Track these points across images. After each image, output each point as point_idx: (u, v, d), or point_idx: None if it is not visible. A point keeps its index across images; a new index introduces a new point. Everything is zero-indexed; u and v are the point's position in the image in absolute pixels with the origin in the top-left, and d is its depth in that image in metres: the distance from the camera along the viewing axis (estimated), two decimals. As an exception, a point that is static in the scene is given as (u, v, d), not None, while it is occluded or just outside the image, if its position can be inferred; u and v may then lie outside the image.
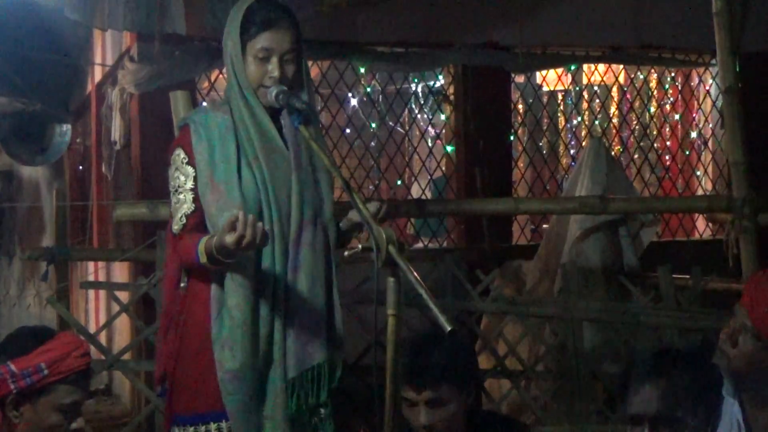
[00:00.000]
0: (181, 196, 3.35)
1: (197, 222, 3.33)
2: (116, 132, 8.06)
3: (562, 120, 9.26)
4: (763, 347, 3.22)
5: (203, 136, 3.34)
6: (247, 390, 3.29)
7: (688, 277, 5.46)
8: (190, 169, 3.34)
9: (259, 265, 3.31)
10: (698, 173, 9.38)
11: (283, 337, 3.32)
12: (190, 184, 3.34)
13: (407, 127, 9.06)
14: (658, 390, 2.81)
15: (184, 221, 3.33)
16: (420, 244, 8.51)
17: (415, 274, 2.79)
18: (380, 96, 8.55)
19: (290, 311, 3.32)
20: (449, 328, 2.61)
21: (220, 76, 7.91)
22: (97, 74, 9.17)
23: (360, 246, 3.06)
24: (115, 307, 5.02)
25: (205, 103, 3.67)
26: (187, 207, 3.33)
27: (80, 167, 10.67)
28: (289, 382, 3.32)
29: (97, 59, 9.15)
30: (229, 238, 3.03)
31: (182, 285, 3.40)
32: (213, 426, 3.33)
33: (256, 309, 3.30)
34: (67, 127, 10.00)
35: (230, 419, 3.29)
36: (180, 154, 3.36)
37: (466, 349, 3.53)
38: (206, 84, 7.96)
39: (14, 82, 9.51)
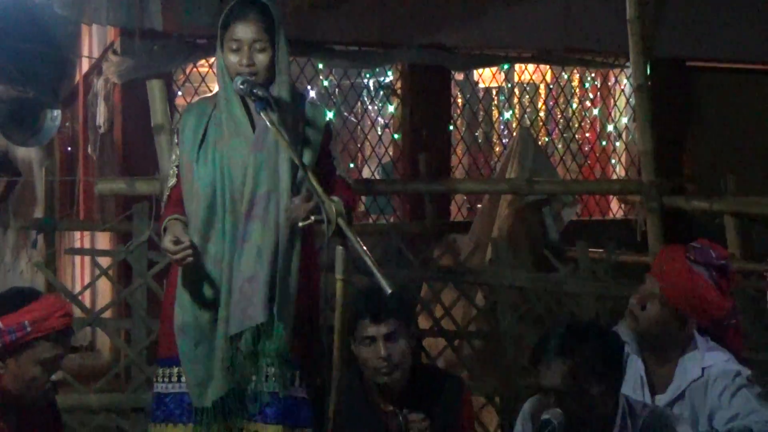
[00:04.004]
0: (170, 172, 3.46)
1: (178, 194, 3.39)
2: (101, 117, 7.99)
3: (495, 113, 9.27)
4: (667, 312, 3.24)
5: (187, 121, 3.39)
6: (189, 341, 3.30)
7: (602, 251, 5.48)
8: (177, 150, 3.42)
9: (209, 235, 3.30)
10: (613, 161, 9.44)
11: (227, 300, 3.28)
12: (176, 162, 3.42)
13: (359, 117, 9.02)
14: (564, 367, 2.81)
15: (168, 193, 3.44)
16: (369, 220, 8.50)
17: (361, 243, 2.77)
18: (336, 89, 8.53)
19: (235, 278, 3.28)
20: (390, 291, 2.60)
21: (194, 69, 7.84)
22: (85, 65, 9.07)
23: (313, 218, 3.04)
24: (98, 272, 4.95)
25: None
26: (171, 181, 3.43)
27: (69, 148, 10.59)
28: (231, 338, 3.28)
29: (85, 52, 9.04)
30: (167, 245, 3.21)
31: None
32: (175, 369, 3.35)
33: (202, 274, 3.29)
34: (57, 113, 9.88)
35: (180, 364, 3.32)
36: (175, 137, 3.47)
37: (407, 296, 3.57)
38: (182, 76, 7.89)
39: (10, 72, 9.40)
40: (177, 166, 3.41)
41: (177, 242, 3.20)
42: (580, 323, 3.21)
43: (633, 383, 3.24)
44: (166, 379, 3.36)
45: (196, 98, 7.76)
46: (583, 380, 2.79)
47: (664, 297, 3.23)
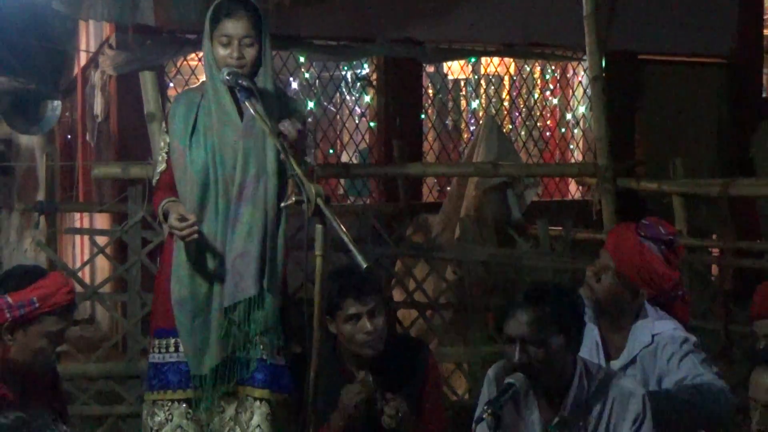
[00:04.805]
0: (159, 158, 3.42)
1: (168, 179, 3.36)
2: (98, 107, 7.94)
3: (463, 103, 9.26)
4: (620, 283, 3.25)
5: (177, 111, 3.36)
6: (187, 314, 3.29)
7: (561, 229, 5.49)
8: (166, 137, 3.39)
9: (202, 216, 3.29)
10: (571, 146, 9.46)
11: (221, 275, 3.28)
12: (165, 149, 3.38)
13: (338, 107, 8.99)
14: (527, 315, 2.81)
15: (158, 177, 3.41)
16: (348, 202, 8.49)
17: (339, 221, 2.75)
18: (316, 81, 8.49)
19: (228, 255, 3.28)
20: (365, 265, 2.58)
21: (185, 62, 7.78)
22: (83, 59, 8.98)
23: (294, 198, 3.02)
24: (96, 250, 4.92)
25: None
26: (161, 166, 3.39)
27: (68, 136, 10.51)
28: (225, 309, 3.28)
29: (82, 46, 8.96)
30: (173, 222, 3.18)
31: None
32: (172, 340, 3.33)
33: (199, 252, 3.28)
34: (57, 103, 9.82)
35: (178, 335, 3.32)
36: (163, 124, 3.44)
37: (380, 275, 3.55)
38: (173, 69, 7.83)
39: (12, 65, 9.31)
40: (167, 153, 3.38)
41: (182, 220, 3.18)
42: (544, 283, 3.22)
43: (589, 349, 3.25)
44: (163, 350, 3.35)
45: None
46: (546, 328, 2.79)
47: (617, 269, 3.25)
